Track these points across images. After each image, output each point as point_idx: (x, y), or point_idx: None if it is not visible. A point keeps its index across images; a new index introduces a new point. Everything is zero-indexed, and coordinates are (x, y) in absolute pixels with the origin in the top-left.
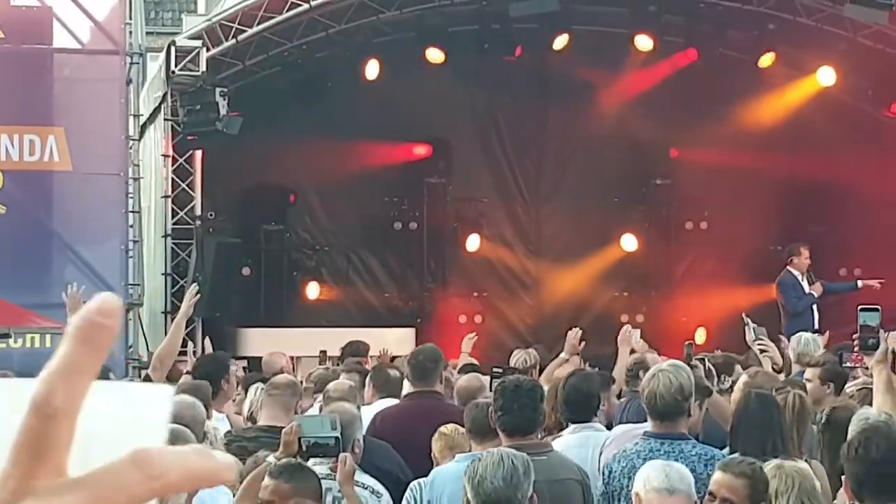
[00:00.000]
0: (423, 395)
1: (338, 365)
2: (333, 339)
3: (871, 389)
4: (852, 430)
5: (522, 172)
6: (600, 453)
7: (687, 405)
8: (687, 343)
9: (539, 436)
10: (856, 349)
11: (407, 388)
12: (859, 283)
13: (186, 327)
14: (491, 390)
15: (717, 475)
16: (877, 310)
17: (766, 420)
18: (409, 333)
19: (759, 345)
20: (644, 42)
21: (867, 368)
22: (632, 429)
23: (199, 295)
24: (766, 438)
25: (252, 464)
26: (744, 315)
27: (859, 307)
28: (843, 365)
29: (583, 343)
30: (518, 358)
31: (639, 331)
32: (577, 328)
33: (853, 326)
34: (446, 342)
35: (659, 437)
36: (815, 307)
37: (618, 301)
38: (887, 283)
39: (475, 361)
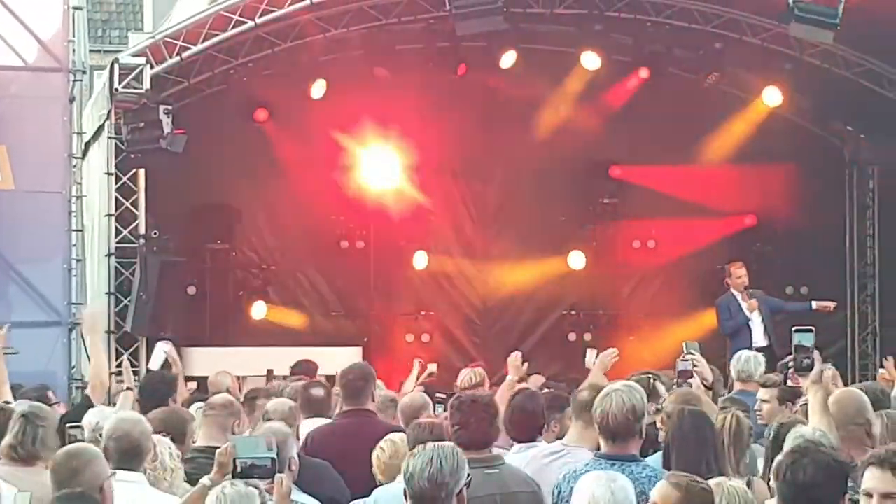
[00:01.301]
0: (355, 414)
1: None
2: (279, 359)
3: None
4: (786, 447)
5: (470, 190)
6: None
7: (639, 426)
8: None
9: (492, 450)
10: (791, 370)
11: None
12: (813, 304)
13: (129, 347)
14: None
15: (659, 484)
16: (811, 331)
17: (699, 438)
18: (355, 352)
19: (688, 360)
20: (591, 61)
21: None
22: (541, 450)
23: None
24: (700, 456)
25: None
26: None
27: (794, 328)
28: (786, 384)
29: (525, 363)
30: (464, 377)
31: (595, 350)
32: (517, 351)
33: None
34: (393, 361)
35: (609, 458)
36: (752, 325)
37: (565, 319)
38: (829, 298)
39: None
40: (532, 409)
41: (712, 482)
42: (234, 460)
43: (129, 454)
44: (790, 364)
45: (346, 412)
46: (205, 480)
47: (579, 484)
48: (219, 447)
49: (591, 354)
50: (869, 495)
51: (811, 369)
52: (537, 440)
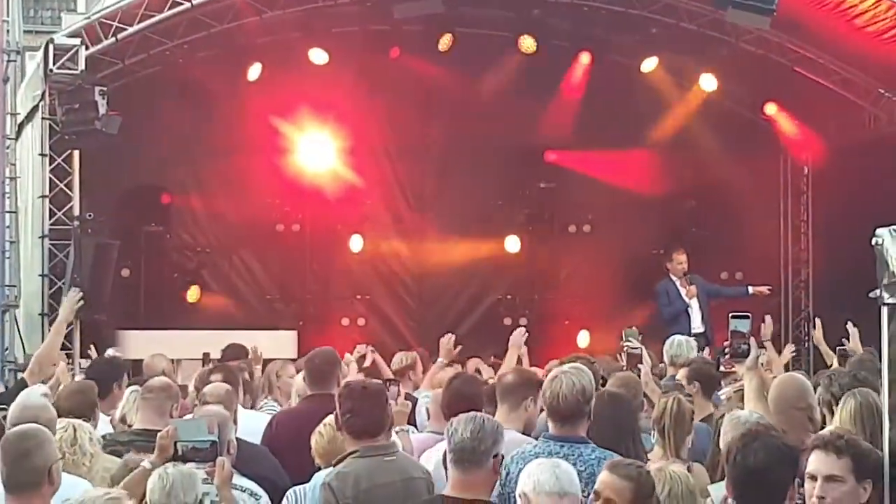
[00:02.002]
0: (320, 399)
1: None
2: (215, 342)
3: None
4: (726, 430)
5: (406, 174)
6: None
7: (588, 408)
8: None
9: (387, 437)
10: (727, 355)
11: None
12: (750, 289)
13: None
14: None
15: (604, 475)
16: (747, 317)
17: (617, 420)
18: (291, 336)
19: (627, 346)
20: (529, 45)
21: (735, 372)
22: None
23: (81, 302)
24: (619, 438)
25: (123, 468)
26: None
27: (730, 314)
28: (719, 369)
29: (458, 347)
30: (396, 359)
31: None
32: (450, 334)
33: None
34: (329, 345)
35: (558, 439)
36: (690, 311)
37: (501, 303)
38: (764, 283)
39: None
40: (469, 394)
41: (653, 467)
42: (175, 443)
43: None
44: (727, 350)
45: (311, 396)
46: (145, 463)
47: (524, 470)
48: (157, 430)
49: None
50: (813, 478)
51: (747, 355)
52: None
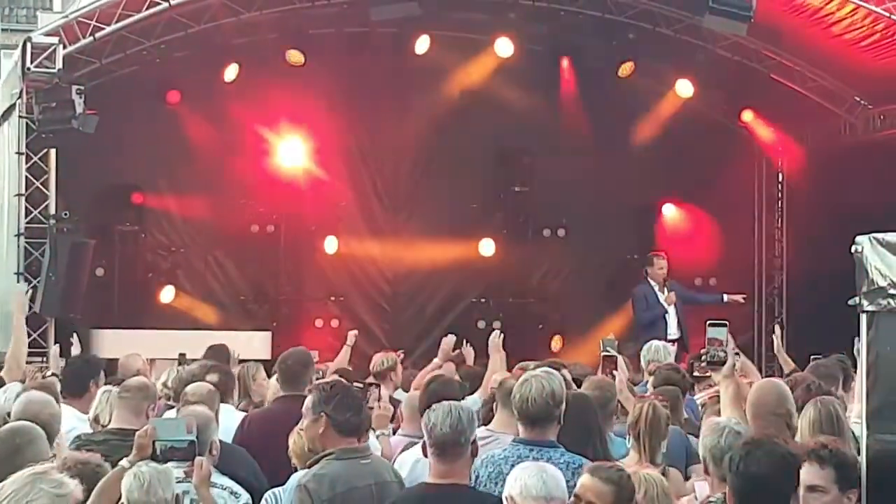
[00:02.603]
0: (292, 400)
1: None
2: (188, 342)
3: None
4: (706, 434)
5: (380, 177)
6: None
7: (558, 412)
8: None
9: (364, 440)
10: (704, 362)
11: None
12: (725, 297)
13: (38, 328)
14: None
15: (585, 478)
16: (724, 325)
17: (582, 421)
18: (264, 337)
19: (604, 354)
20: (505, 48)
21: (709, 377)
22: None
23: (28, 293)
24: (586, 440)
25: (92, 471)
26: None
27: (707, 322)
28: (693, 374)
29: (457, 350)
30: (376, 361)
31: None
32: (452, 334)
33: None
34: (303, 345)
35: (528, 443)
36: (668, 317)
37: (475, 307)
38: (738, 290)
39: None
40: (448, 397)
41: (628, 471)
42: (154, 442)
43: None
44: (703, 357)
45: (284, 397)
46: (123, 463)
47: (511, 473)
48: (132, 430)
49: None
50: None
51: (724, 363)
52: None
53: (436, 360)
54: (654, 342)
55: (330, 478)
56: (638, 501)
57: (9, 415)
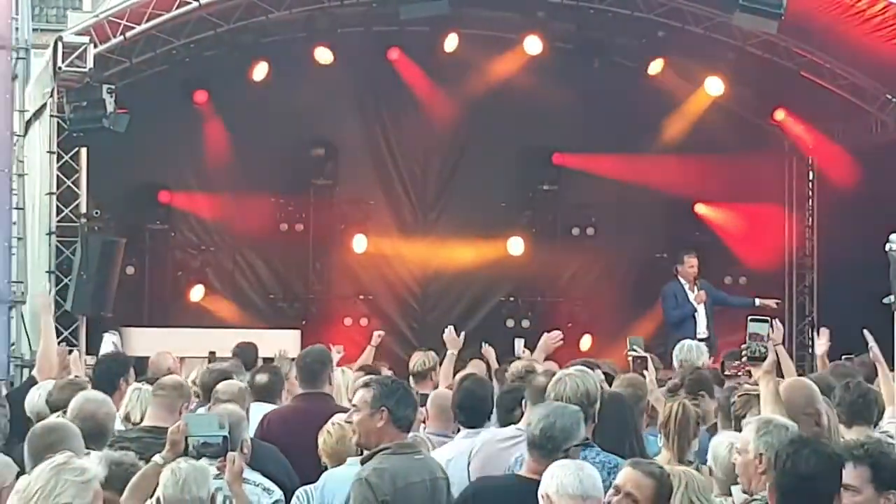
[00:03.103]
0: (312, 398)
1: None
2: (218, 340)
3: (753, 396)
4: (746, 430)
5: (409, 175)
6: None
7: (592, 411)
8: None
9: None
10: (744, 358)
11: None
12: (757, 301)
13: (69, 327)
14: None
15: (626, 470)
16: (766, 321)
17: (619, 420)
18: (294, 335)
19: (632, 355)
20: (534, 47)
21: (749, 376)
22: (494, 434)
23: (52, 293)
24: (622, 437)
25: (118, 468)
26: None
27: (749, 317)
28: (724, 373)
29: (462, 333)
30: (417, 360)
31: (522, 339)
32: (451, 325)
33: (740, 335)
34: (332, 344)
35: None
36: (697, 316)
37: (504, 305)
38: (767, 288)
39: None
40: (482, 395)
41: (668, 469)
42: (186, 438)
43: (93, 435)
44: (743, 352)
45: (303, 395)
46: (157, 458)
47: (548, 471)
48: (165, 427)
49: (519, 344)
50: None
51: (765, 358)
52: (485, 426)
53: (450, 353)
54: (687, 341)
55: (390, 472)
56: (679, 493)
57: (64, 412)
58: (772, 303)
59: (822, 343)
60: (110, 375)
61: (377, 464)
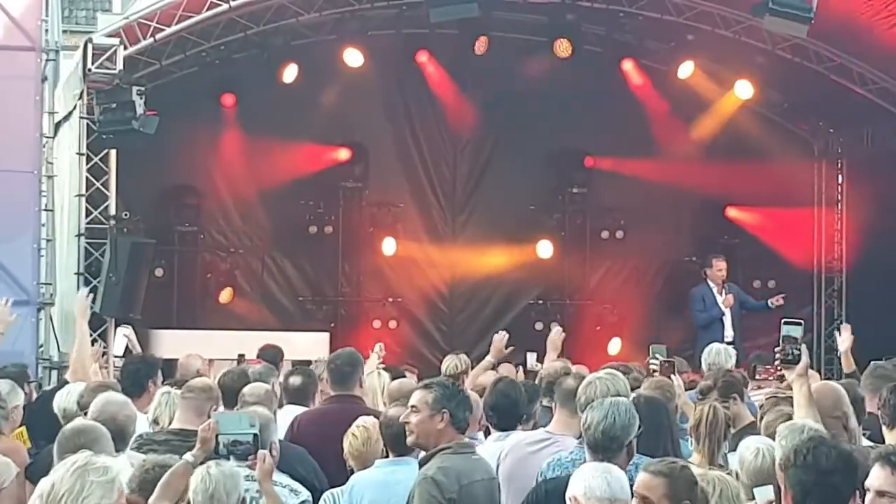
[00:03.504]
0: (342, 400)
1: None
2: (246, 342)
3: (780, 398)
4: (779, 436)
5: (439, 178)
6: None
7: None
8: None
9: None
10: (777, 361)
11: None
12: (770, 303)
13: (98, 328)
14: None
15: (639, 475)
16: (800, 323)
17: (655, 424)
18: (323, 337)
19: (653, 365)
20: (563, 49)
21: (782, 380)
22: (524, 437)
23: (90, 295)
24: (657, 442)
25: (140, 470)
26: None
27: (783, 320)
28: (754, 377)
29: (510, 348)
30: (449, 363)
31: (535, 353)
32: (504, 332)
33: (769, 338)
34: (360, 347)
35: None
36: (724, 319)
37: (533, 308)
38: (797, 293)
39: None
40: (515, 398)
41: (696, 472)
42: (217, 436)
43: (113, 437)
44: (777, 355)
45: (333, 398)
46: (188, 457)
47: (575, 473)
48: (194, 430)
49: (531, 357)
50: (870, 492)
51: (798, 361)
52: (517, 428)
53: (488, 358)
54: (716, 345)
55: (455, 471)
56: (712, 501)
57: (85, 413)
58: (779, 298)
59: (844, 339)
60: (139, 377)
61: (440, 463)
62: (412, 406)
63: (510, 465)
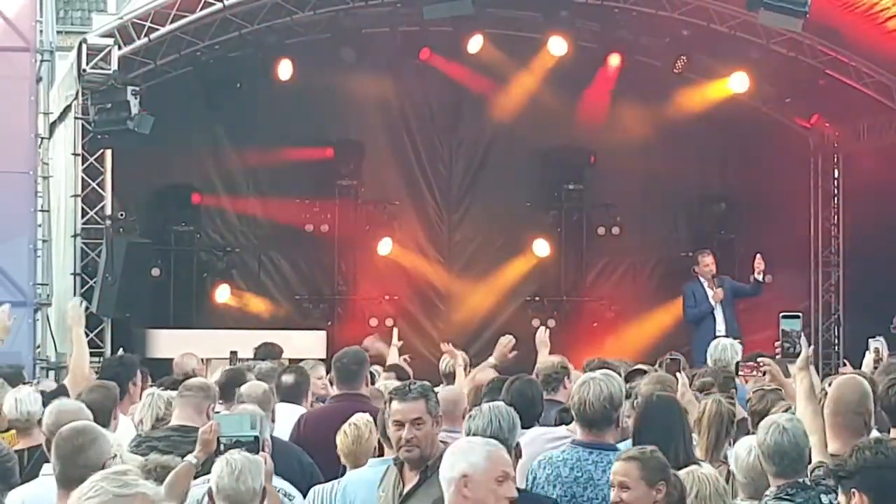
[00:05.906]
0: (348, 398)
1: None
2: (243, 341)
3: (767, 391)
4: (760, 432)
5: (434, 175)
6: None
7: (616, 415)
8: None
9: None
10: (778, 356)
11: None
12: (755, 278)
13: (94, 328)
14: None
15: (613, 465)
16: (798, 316)
17: (666, 423)
18: (319, 336)
19: (670, 357)
20: (558, 46)
21: (764, 374)
22: (544, 432)
23: (82, 304)
24: (668, 441)
25: (144, 473)
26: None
27: (781, 314)
28: (738, 374)
29: (514, 352)
30: (448, 362)
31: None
32: (510, 336)
33: (767, 333)
34: (357, 345)
35: (587, 445)
36: (716, 314)
37: (529, 305)
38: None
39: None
40: (532, 396)
41: (682, 472)
42: (218, 438)
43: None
44: (777, 349)
45: (340, 396)
46: (190, 458)
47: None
48: (193, 427)
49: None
50: None
51: (798, 355)
52: (534, 427)
53: (490, 359)
54: (723, 340)
55: None
56: (689, 500)
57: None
58: (759, 262)
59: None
60: (118, 381)
61: None
62: (416, 419)
63: (527, 458)
